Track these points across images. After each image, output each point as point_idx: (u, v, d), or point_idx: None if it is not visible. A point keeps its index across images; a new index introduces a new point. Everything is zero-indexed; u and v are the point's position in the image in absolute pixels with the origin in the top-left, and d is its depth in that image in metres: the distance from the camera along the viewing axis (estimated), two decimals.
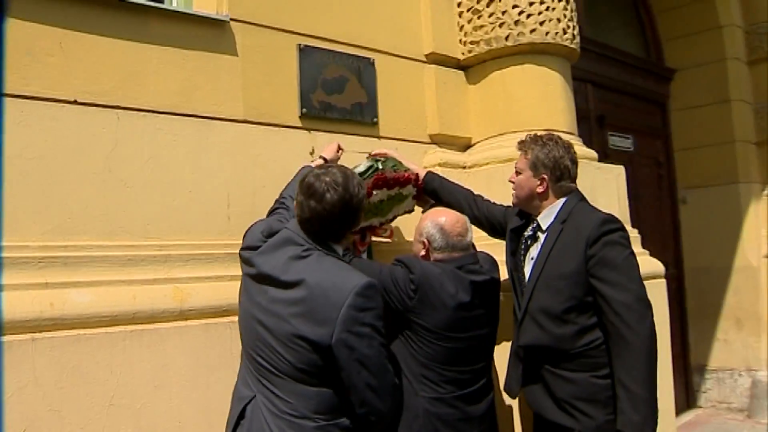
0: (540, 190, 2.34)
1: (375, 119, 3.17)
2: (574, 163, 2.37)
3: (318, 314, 1.81)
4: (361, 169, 2.60)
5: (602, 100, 5.57)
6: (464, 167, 3.48)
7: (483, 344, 2.38)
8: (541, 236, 2.35)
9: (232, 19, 2.69)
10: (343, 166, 2.08)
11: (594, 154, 3.55)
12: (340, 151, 2.66)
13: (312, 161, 2.60)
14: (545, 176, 2.32)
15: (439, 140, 3.46)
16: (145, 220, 2.39)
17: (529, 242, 2.41)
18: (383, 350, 1.90)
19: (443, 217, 2.40)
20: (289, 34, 2.89)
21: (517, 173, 2.41)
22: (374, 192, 2.58)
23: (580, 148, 3.44)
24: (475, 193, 2.78)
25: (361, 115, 3.11)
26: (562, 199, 2.34)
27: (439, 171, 3.14)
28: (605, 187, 3.42)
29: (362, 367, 1.82)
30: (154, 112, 2.47)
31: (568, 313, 2.20)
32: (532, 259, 2.36)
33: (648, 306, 2.13)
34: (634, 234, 3.54)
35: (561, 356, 2.22)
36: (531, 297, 2.29)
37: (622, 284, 2.12)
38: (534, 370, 2.30)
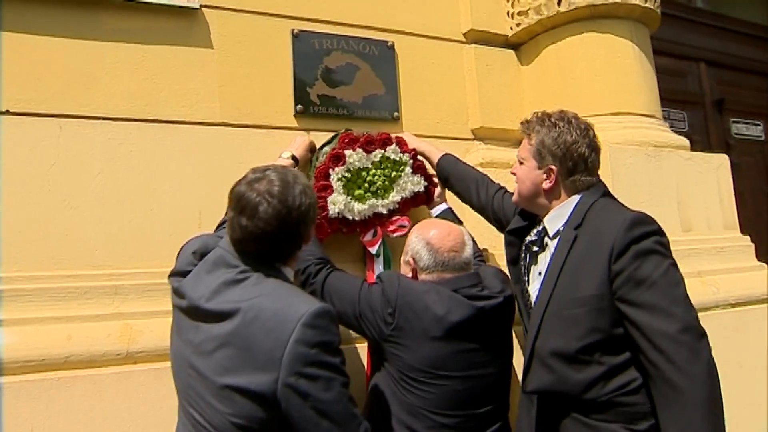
0: (547, 185, 1.77)
1: (396, 114, 2.66)
2: (594, 150, 1.77)
3: (257, 355, 1.44)
4: (326, 140, 2.35)
5: (720, 81, 4.84)
6: None
7: (491, 383, 1.84)
8: (551, 244, 1.77)
9: (203, 6, 2.31)
10: (287, 168, 1.64)
11: (683, 141, 2.78)
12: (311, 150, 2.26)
13: (278, 159, 2.16)
14: (553, 167, 1.75)
15: (483, 135, 2.88)
16: (92, 246, 2.04)
17: (535, 250, 1.83)
18: (346, 392, 1.50)
19: (432, 230, 1.94)
20: (280, 19, 2.47)
21: (520, 163, 1.85)
22: (347, 153, 2.25)
23: (661, 134, 2.72)
24: (494, 181, 2.26)
25: (376, 109, 2.62)
26: (576, 197, 1.74)
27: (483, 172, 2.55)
28: (699, 183, 2.66)
29: (322, 417, 1.44)
30: (106, 119, 2.14)
31: (591, 353, 1.60)
32: (540, 274, 1.77)
33: (701, 335, 1.52)
34: (745, 242, 2.74)
35: (585, 405, 1.62)
36: (538, 332, 1.69)
37: (663, 308, 1.52)
38: (551, 417, 1.71)
